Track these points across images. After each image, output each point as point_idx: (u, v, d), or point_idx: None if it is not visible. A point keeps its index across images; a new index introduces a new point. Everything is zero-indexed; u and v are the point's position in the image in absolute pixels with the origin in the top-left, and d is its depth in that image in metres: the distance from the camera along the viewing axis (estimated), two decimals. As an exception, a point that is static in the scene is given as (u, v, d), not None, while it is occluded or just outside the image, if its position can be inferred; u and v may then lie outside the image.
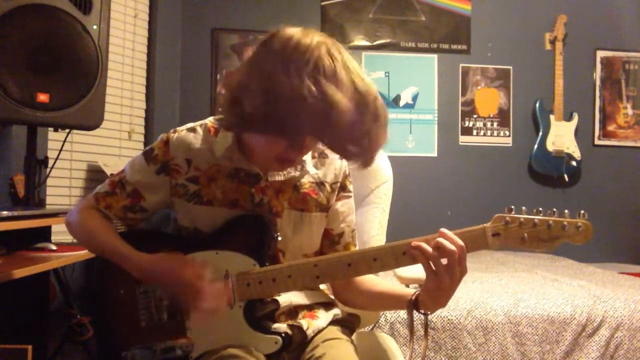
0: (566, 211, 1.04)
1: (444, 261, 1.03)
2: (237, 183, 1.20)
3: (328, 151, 1.29)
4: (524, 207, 1.05)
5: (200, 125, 1.24)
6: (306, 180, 1.25)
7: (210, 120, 1.25)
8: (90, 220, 1.22)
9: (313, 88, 0.95)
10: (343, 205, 1.31)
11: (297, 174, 1.23)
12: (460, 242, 1.03)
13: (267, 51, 1.03)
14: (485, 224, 1.05)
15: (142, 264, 1.14)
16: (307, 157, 1.24)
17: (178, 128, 1.24)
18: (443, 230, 1.06)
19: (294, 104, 0.95)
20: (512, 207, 1.04)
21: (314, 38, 1.02)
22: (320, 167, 1.27)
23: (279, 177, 1.21)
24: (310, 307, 1.26)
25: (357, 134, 1.01)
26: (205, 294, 1.07)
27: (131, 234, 1.23)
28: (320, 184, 1.27)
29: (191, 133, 1.23)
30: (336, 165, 1.29)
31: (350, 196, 1.33)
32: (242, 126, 1.09)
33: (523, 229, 1.03)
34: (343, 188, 1.30)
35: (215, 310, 1.09)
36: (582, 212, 1.03)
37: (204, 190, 1.20)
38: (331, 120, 0.97)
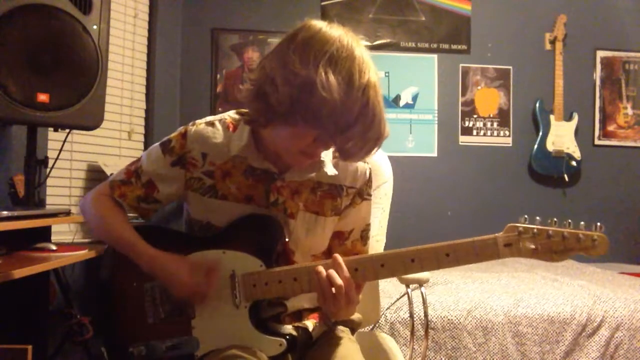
0: (582, 223, 0.99)
1: (333, 290, 1.06)
2: (252, 180, 1.19)
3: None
4: (537, 217, 1.01)
5: (219, 120, 1.22)
6: (325, 181, 1.22)
7: (229, 116, 1.23)
8: (104, 208, 1.23)
9: (323, 77, 0.99)
10: (359, 210, 1.28)
11: (314, 174, 1.20)
12: (347, 274, 1.06)
13: (290, 44, 1.09)
14: (497, 234, 1.02)
15: (151, 260, 1.14)
16: (327, 158, 1.21)
17: (197, 121, 1.23)
18: (336, 257, 1.08)
19: (315, 94, 0.99)
20: (526, 216, 1.01)
21: (333, 31, 1.10)
22: (339, 167, 1.23)
23: (296, 177, 1.19)
24: (314, 310, 1.26)
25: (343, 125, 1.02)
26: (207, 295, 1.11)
27: (141, 229, 1.22)
28: (338, 187, 1.24)
29: (209, 127, 1.21)
30: (357, 168, 1.25)
31: (368, 199, 1.29)
32: (268, 119, 1.09)
33: (536, 240, 1.00)
34: (360, 194, 1.26)
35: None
36: (599, 224, 0.99)
37: (219, 184, 1.19)
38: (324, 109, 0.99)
